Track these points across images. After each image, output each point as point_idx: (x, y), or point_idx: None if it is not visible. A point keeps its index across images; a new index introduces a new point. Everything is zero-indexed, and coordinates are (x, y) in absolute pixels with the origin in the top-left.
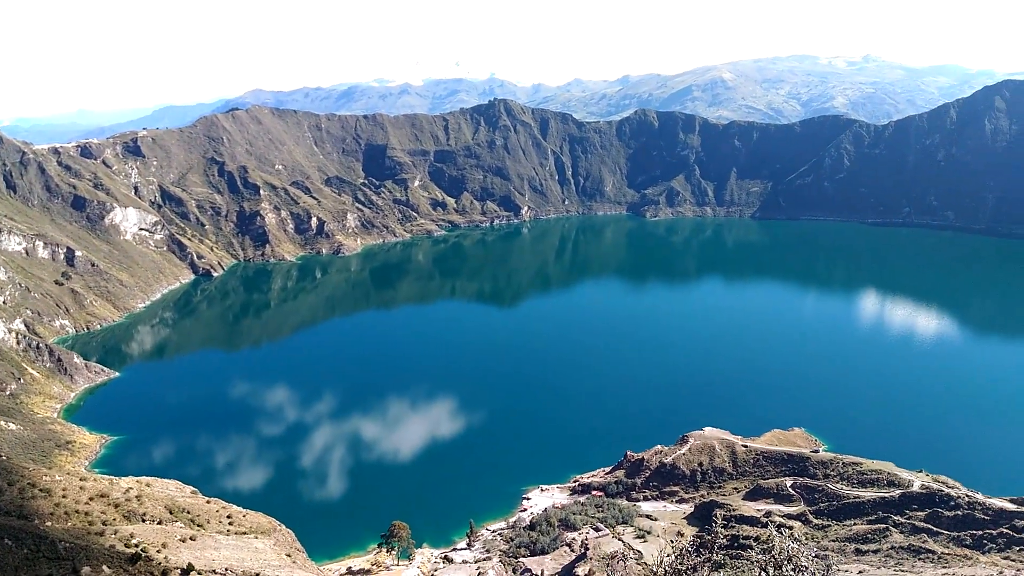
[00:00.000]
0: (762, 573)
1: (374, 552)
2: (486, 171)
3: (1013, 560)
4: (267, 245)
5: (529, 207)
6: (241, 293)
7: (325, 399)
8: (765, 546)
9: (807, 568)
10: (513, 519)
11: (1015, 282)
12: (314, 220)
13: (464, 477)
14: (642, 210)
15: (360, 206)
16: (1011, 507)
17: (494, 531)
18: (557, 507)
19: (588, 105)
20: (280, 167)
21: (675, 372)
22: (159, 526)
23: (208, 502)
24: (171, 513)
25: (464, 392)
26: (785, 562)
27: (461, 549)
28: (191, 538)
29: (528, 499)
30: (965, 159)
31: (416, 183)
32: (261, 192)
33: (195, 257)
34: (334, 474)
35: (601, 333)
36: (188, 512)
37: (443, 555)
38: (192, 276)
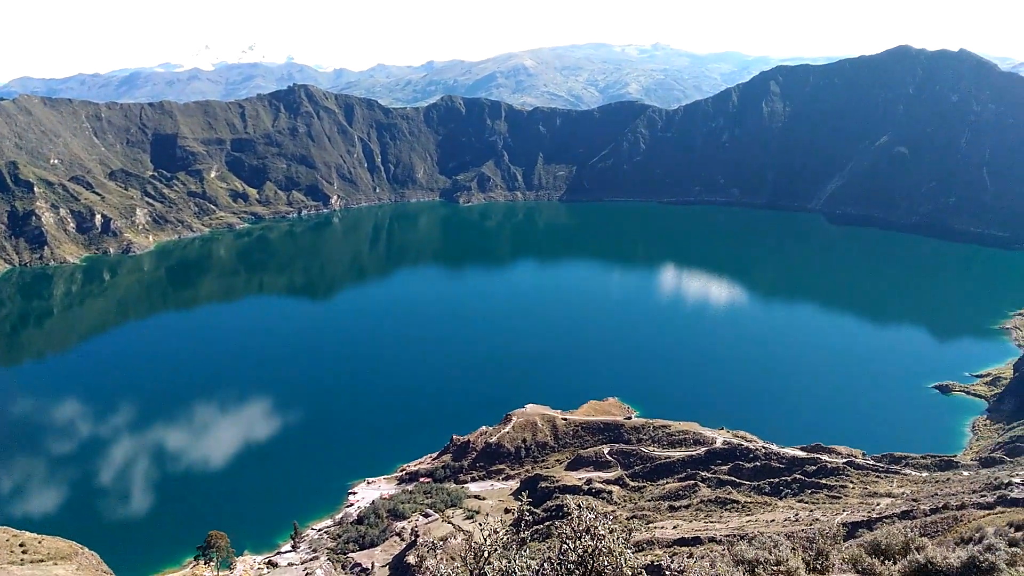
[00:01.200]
0: (563, 545)
1: (191, 566)
2: (290, 160)
3: (806, 502)
4: (45, 247)
5: (339, 196)
6: (18, 302)
7: (123, 409)
8: (568, 518)
9: (604, 536)
10: (340, 515)
11: (793, 251)
12: (98, 218)
13: (285, 478)
14: (455, 196)
15: (150, 200)
16: (802, 455)
17: (320, 530)
18: (385, 498)
19: (394, 91)
20: (56, 161)
21: (495, 354)
22: None
23: None
24: None
25: (279, 391)
26: (584, 533)
27: (286, 552)
28: None
29: (354, 493)
30: (746, 140)
31: (213, 174)
32: (35, 189)
33: None
34: (140, 489)
35: (420, 321)
36: None
37: (267, 560)
38: None
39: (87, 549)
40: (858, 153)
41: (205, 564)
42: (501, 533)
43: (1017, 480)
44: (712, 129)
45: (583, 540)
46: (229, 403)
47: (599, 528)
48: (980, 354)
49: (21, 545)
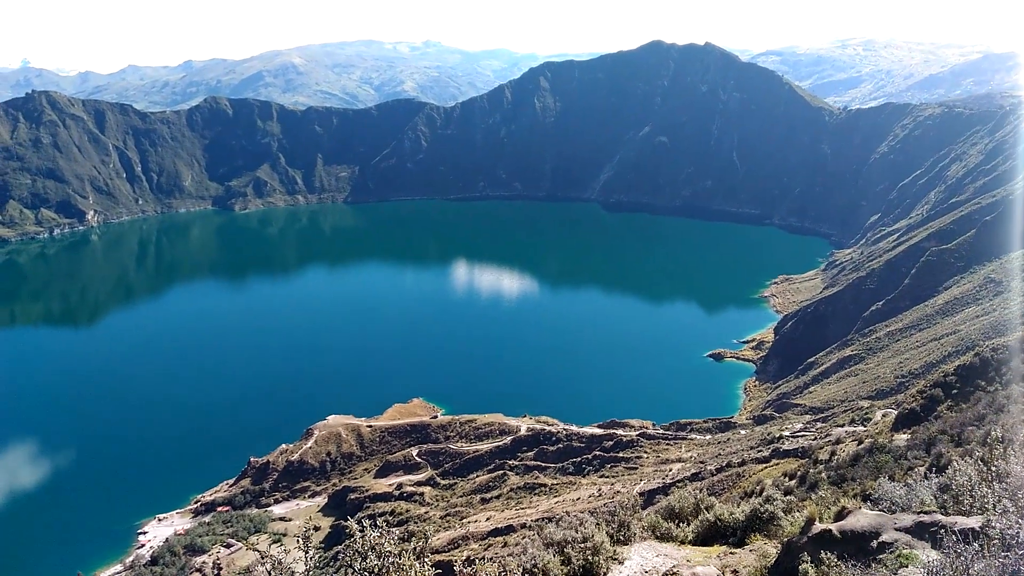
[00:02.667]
0: (348, 570)
1: None
2: (35, 174)
3: (607, 477)
4: None
5: (96, 211)
6: None
7: None
8: (351, 541)
9: (391, 552)
10: (130, 559)
11: (574, 239)
12: None
13: (64, 524)
14: (229, 203)
15: None
16: (600, 432)
17: None
18: (180, 533)
19: (149, 94)
20: None
21: (290, 367)
22: None
23: None
24: None
25: (47, 429)
26: (369, 552)
27: None
28: None
29: (144, 533)
30: (523, 134)
31: None
32: None
33: None
34: None
35: (202, 339)
36: None
37: None
38: None
39: None
40: (625, 143)
41: None
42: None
43: (787, 433)
44: (490, 125)
45: (368, 560)
46: None
47: (385, 545)
48: (744, 322)
49: None
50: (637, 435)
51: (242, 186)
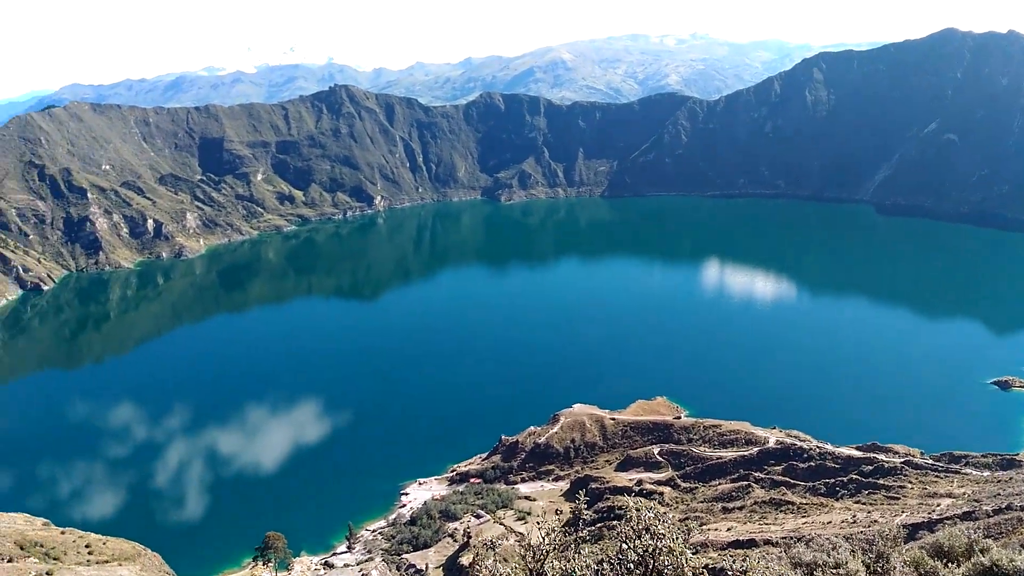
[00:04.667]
0: (623, 545)
1: (250, 566)
2: (333, 161)
3: (863, 503)
4: (101, 252)
5: (382, 196)
6: (76, 306)
7: (180, 412)
8: (626, 518)
9: (664, 535)
10: (393, 516)
11: (842, 243)
12: (150, 222)
13: (338, 479)
14: (496, 194)
15: (200, 204)
16: (858, 454)
17: (374, 531)
18: (436, 499)
19: (433, 89)
20: (108, 167)
21: (541, 353)
22: (10, 564)
23: (63, 533)
24: (22, 549)
25: (330, 392)
26: (643, 532)
27: (341, 553)
28: (47, 573)
29: (407, 494)
30: (790, 130)
31: (259, 177)
32: (89, 195)
33: (21, 271)
34: (198, 491)
35: (466, 321)
36: (42, 546)
37: (323, 561)
38: (19, 291)
39: (149, 550)
40: (906, 141)
41: (264, 565)
42: (558, 533)
43: None
44: (755, 119)
45: (643, 540)
46: (281, 405)
47: (659, 527)
48: None
49: (87, 546)
50: (901, 462)
51: (509, 178)
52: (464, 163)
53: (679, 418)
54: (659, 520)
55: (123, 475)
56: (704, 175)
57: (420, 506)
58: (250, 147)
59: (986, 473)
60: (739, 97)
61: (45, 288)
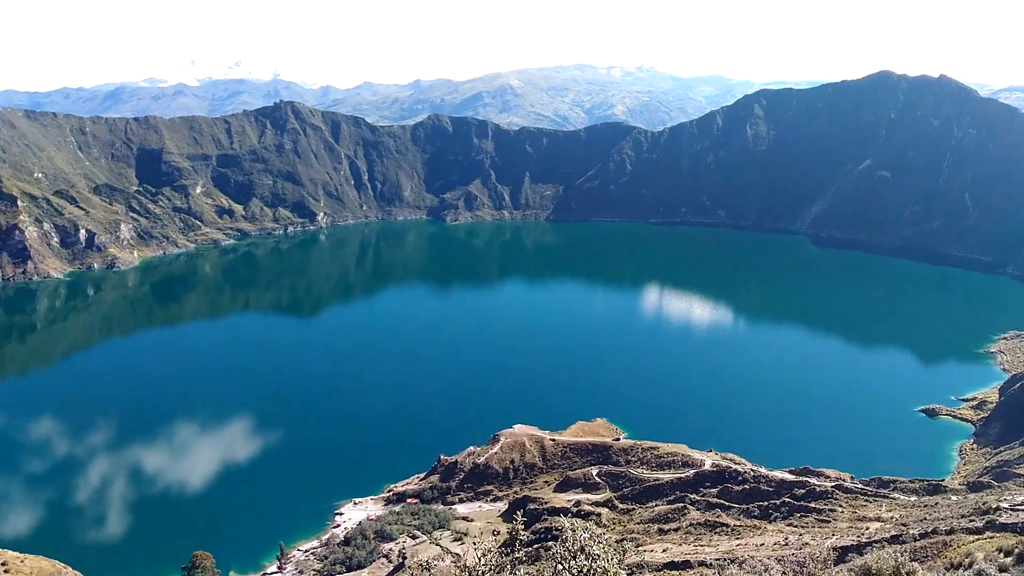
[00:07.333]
0: (558, 566)
1: None
2: (276, 176)
3: (795, 525)
4: (29, 262)
5: (325, 213)
6: (0, 316)
7: (106, 427)
8: (562, 538)
9: (599, 556)
10: (326, 536)
11: (779, 273)
12: (83, 232)
13: (271, 498)
14: (442, 214)
15: (135, 216)
16: (791, 478)
17: (306, 551)
18: (372, 519)
19: (380, 109)
20: (40, 175)
21: (483, 373)
22: None
23: None
24: None
25: (265, 409)
26: (578, 552)
27: (273, 573)
28: None
29: (341, 514)
30: (732, 162)
31: (198, 189)
32: (19, 203)
33: None
34: (123, 508)
35: (407, 339)
36: None
37: None
38: None
39: (71, 568)
40: (842, 176)
41: None
42: (494, 554)
43: (1005, 505)
44: (697, 151)
45: (578, 560)
46: (213, 421)
47: (594, 548)
48: (966, 378)
49: (3, 564)
50: (832, 486)
51: (455, 199)
52: (410, 182)
53: (618, 439)
54: (594, 541)
55: (43, 491)
56: (647, 202)
57: (355, 526)
58: (190, 159)
59: (913, 498)
60: (683, 129)
61: None
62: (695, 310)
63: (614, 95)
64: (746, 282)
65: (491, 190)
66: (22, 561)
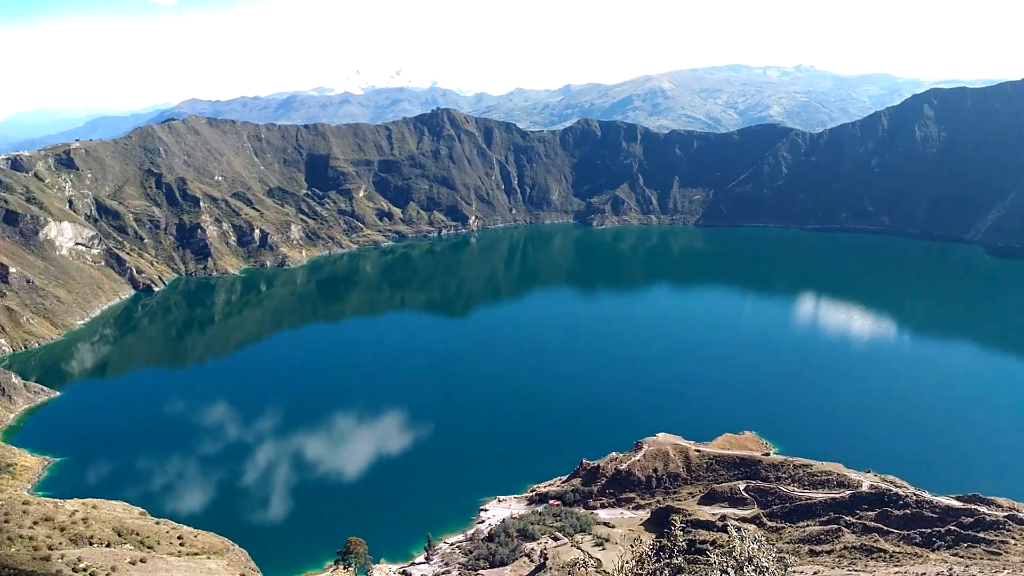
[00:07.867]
0: (723, 575)
1: (330, 569)
2: (431, 181)
3: (961, 556)
4: (209, 258)
5: (476, 217)
6: (184, 308)
7: (274, 415)
8: (725, 548)
9: (768, 568)
10: (471, 531)
11: (949, 284)
12: (257, 232)
13: (420, 490)
14: (588, 218)
15: (304, 217)
16: (957, 504)
17: (452, 544)
18: (515, 517)
19: (531, 114)
20: (220, 178)
21: (627, 379)
22: (107, 549)
23: (157, 523)
24: (119, 535)
25: (418, 404)
26: (746, 563)
27: (419, 563)
28: (141, 560)
29: (486, 511)
30: (898, 165)
31: (361, 193)
32: (201, 204)
33: (135, 272)
34: (286, 491)
35: (553, 342)
36: (137, 534)
37: (401, 570)
38: (132, 291)
39: (237, 546)
40: (1021, 181)
41: (344, 569)
42: (651, 560)
43: None
44: (860, 153)
45: (745, 571)
46: (369, 413)
47: (762, 559)
48: None
49: (179, 538)
50: (1005, 516)
51: (601, 203)
52: (558, 187)
53: (767, 454)
54: (763, 552)
55: (215, 472)
56: (804, 207)
57: (498, 523)
58: (354, 165)
59: None
60: (844, 130)
61: (156, 289)
62: (855, 323)
63: (770, 96)
64: (912, 293)
65: (638, 194)
66: (195, 536)
